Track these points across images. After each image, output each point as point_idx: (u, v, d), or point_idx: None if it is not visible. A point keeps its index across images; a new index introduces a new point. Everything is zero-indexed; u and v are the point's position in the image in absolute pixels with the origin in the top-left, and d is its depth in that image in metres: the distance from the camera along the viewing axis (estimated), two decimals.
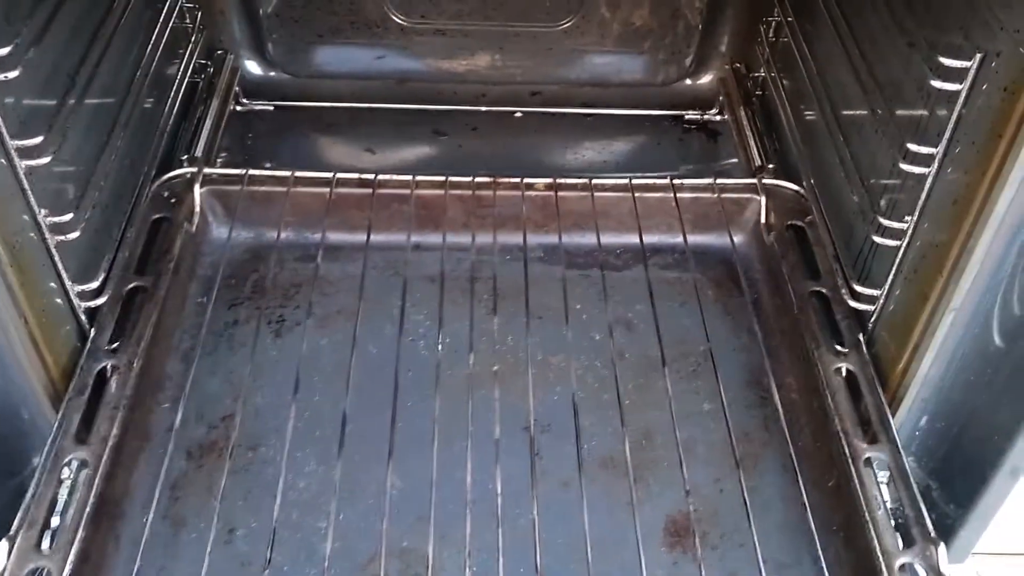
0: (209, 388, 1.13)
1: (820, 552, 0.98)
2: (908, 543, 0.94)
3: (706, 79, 1.57)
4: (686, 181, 1.31)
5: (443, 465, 1.02)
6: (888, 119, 1.07)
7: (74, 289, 1.06)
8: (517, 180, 1.31)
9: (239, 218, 1.28)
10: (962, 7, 0.93)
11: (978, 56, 0.88)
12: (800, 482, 1.04)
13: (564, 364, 1.15)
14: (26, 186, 0.96)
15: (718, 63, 1.56)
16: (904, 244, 1.03)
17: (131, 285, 1.14)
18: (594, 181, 1.31)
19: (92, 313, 1.10)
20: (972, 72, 0.89)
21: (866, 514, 0.96)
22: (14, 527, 0.91)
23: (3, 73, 0.90)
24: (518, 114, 1.55)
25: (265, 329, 1.19)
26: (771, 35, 1.46)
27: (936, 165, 0.96)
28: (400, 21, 1.48)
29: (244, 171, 1.29)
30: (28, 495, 0.94)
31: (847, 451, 1.01)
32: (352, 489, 1.03)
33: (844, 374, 1.08)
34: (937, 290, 0.96)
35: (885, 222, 1.05)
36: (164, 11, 1.35)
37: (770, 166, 1.35)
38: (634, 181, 1.31)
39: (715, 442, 1.09)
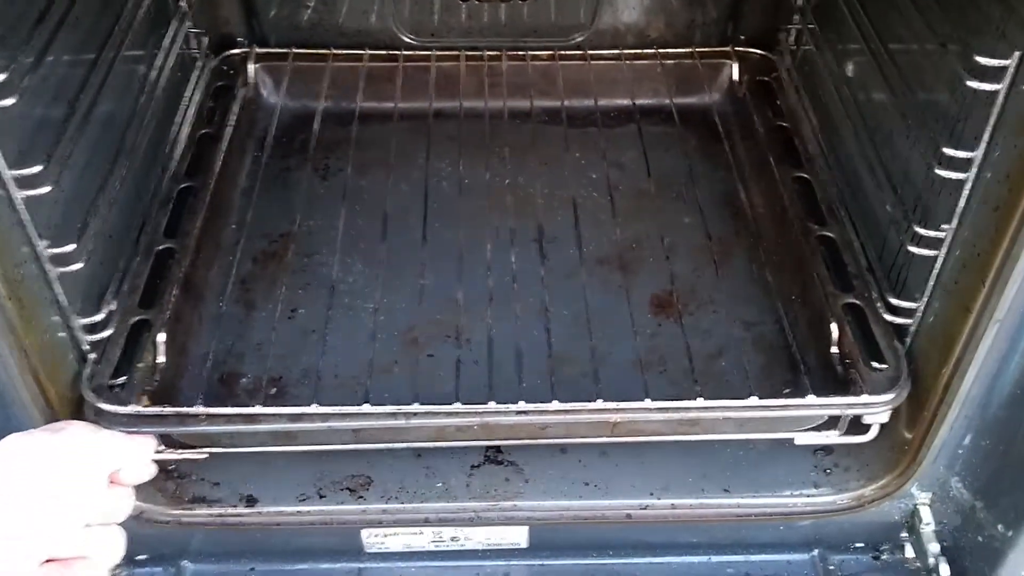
0: (269, 214, 1.34)
1: (780, 310, 1.19)
2: (849, 288, 1.13)
3: None
4: (670, 50, 1.52)
5: (466, 264, 1.21)
6: (921, 124, 1.02)
7: (77, 322, 1.03)
8: (523, 52, 1.52)
9: (287, 90, 1.49)
10: (998, 5, 0.88)
11: (1017, 54, 0.83)
12: (766, 262, 1.25)
13: (566, 193, 1.35)
14: (25, 217, 0.92)
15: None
16: (943, 254, 0.98)
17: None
18: (590, 51, 1.52)
19: (96, 345, 1.06)
20: (1011, 71, 0.84)
21: (816, 274, 1.16)
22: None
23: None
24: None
25: (312, 174, 1.40)
26: (791, 43, 1.46)
27: (975, 169, 0.91)
28: (411, 41, 1.53)
29: (289, 49, 1.50)
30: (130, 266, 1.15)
31: (803, 234, 1.21)
32: (393, 281, 1.23)
33: (799, 187, 1.29)
34: (979, 301, 0.90)
35: (921, 231, 0.99)
36: (169, 35, 1.36)
37: (741, 37, 1.54)
38: (625, 52, 1.52)
39: (694, 244, 1.29)
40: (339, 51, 1.51)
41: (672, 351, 1.15)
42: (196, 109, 1.41)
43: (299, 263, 1.27)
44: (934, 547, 1.08)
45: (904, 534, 1.13)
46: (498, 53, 1.52)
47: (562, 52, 1.52)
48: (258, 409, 0.99)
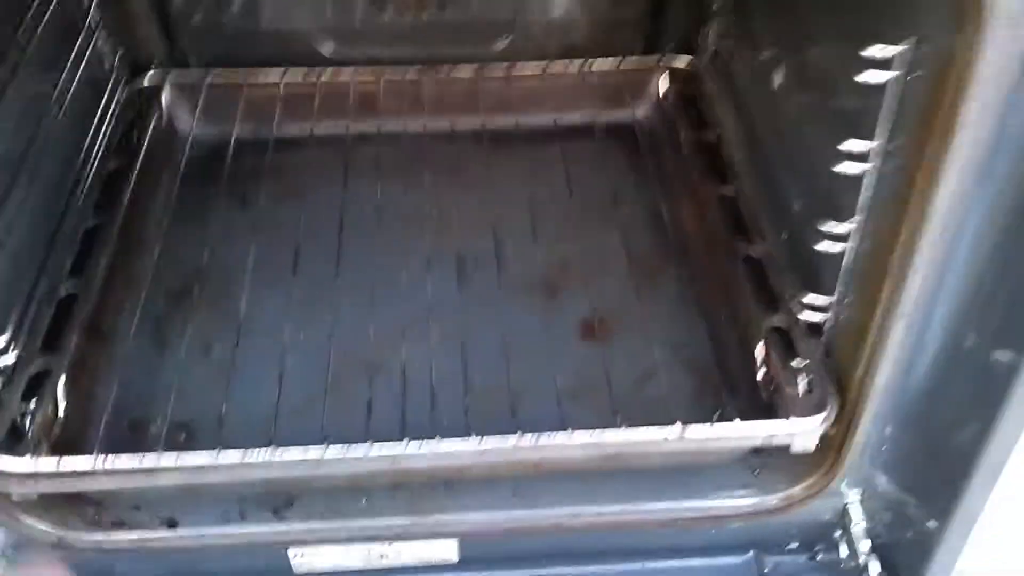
0: (183, 248, 1.29)
1: (707, 331, 1.16)
2: (774, 310, 1.11)
3: None
4: (595, 63, 1.49)
5: (380, 296, 1.17)
6: (826, 119, 1.01)
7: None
8: (445, 69, 1.48)
9: (202, 117, 1.44)
10: None
11: (903, 46, 0.83)
12: (691, 282, 1.22)
13: (490, 214, 1.32)
14: None
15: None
16: (850, 249, 0.97)
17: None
18: (512, 69, 1.49)
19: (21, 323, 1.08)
20: (900, 61, 0.84)
21: (742, 296, 1.14)
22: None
23: None
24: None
25: (228, 204, 1.35)
26: (711, 38, 1.44)
27: (875, 162, 0.91)
28: (329, 57, 1.49)
29: (206, 70, 1.46)
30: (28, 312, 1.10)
31: (728, 253, 1.19)
32: (306, 315, 1.18)
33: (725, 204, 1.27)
34: (885, 295, 0.90)
35: (829, 227, 0.98)
36: (76, 51, 1.30)
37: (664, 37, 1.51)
38: (548, 63, 1.49)
39: (621, 265, 1.26)
40: (255, 74, 1.46)
41: (599, 377, 1.12)
42: (106, 139, 1.35)
43: (212, 299, 1.22)
44: (864, 545, 1.07)
45: (837, 533, 1.10)
46: (419, 69, 1.48)
47: (484, 70, 1.48)
48: (160, 461, 0.95)
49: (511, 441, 0.96)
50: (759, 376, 1.07)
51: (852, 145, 0.91)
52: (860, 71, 0.86)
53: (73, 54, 1.29)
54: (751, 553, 1.13)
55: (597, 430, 0.97)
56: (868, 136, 0.90)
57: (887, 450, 1.02)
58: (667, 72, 1.47)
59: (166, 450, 0.99)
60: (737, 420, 0.98)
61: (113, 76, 1.42)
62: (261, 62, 1.47)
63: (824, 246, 0.99)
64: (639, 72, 1.49)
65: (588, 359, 1.15)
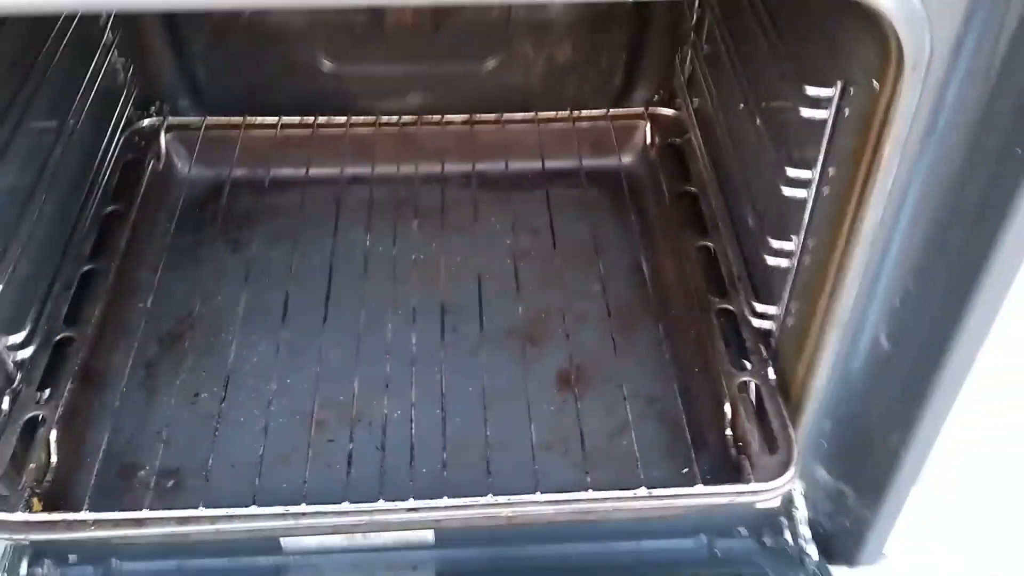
0: (177, 292, 1.33)
1: (680, 385, 1.20)
2: (742, 368, 1.14)
3: (631, 111, 1.58)
4: (583, 113, 1.53)
5: (366, 347, 1.22)
6: (774, 148, 1.10)
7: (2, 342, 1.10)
8: (438, 117, 1.52)
9: (199, 159, 1.49)
10: (824, 42, 0.97)
11: (839, 85, 0.92)
12: (666, 336, 1.25)
13: (475, 261, 1.36)
14: None
15: (641, 94, 1.57)
16: (794, 264, 1.07)
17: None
18: (504, 116, 1.53)
19: (20, 365, 1.13)
20: (834, 101, 0.93)
21: (714, 351, 1.17)
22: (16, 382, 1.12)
23: None
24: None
25: (223, 247, 1.40)
26: (686, 66, 1.50)
27: (813, 189, 1.00)
28: (330, 66, 1.52)
29: (203, 118, 1.50)
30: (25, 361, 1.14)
31: (703, 308, 1.22)
32: (293, 364, 1.22)
33: (708, 254, 1.30)
34: (823, 305, 0.99)
35: (776, 244, 1.09)
36: (92, 68, 1.36)
37: (656, 96, 1.55)
38: (539, 114, 1.53)
39: (600, 315, 1.30)
40: (252, 118, 1.50)
41: (574, 431, 1.15)
42: (105, 181, 1.39)
43: (203, 344, 1.26)
44: (805, 531, 1.15)
45: (783, 521, 1.18)
46: (414, 118, 1.52)
47: (476, 117, 1.52)
48: (145, 514, 0.99)
49: (483, 501, 0.99)
50: (727, 432, 1.10)
51: (794, 173, 1.02)
52: (802, 108, 0.96)
53: (82, 89, 1.33)
54: (704, 537, 1.20)
55: (566, 493, 1.00)
56: (808, 166, 1.00)
57: (827, 446, 1.11)
58: (652, 121, 1.51)
59: (154, 497, 1.04)
60: (700, 485, 1.01)
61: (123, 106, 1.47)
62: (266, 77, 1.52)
63: (773, 261, 1.10)
64: (626, 121, 1.52)
65: (564, 411, 1.18)
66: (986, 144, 0.83)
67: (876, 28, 0.78)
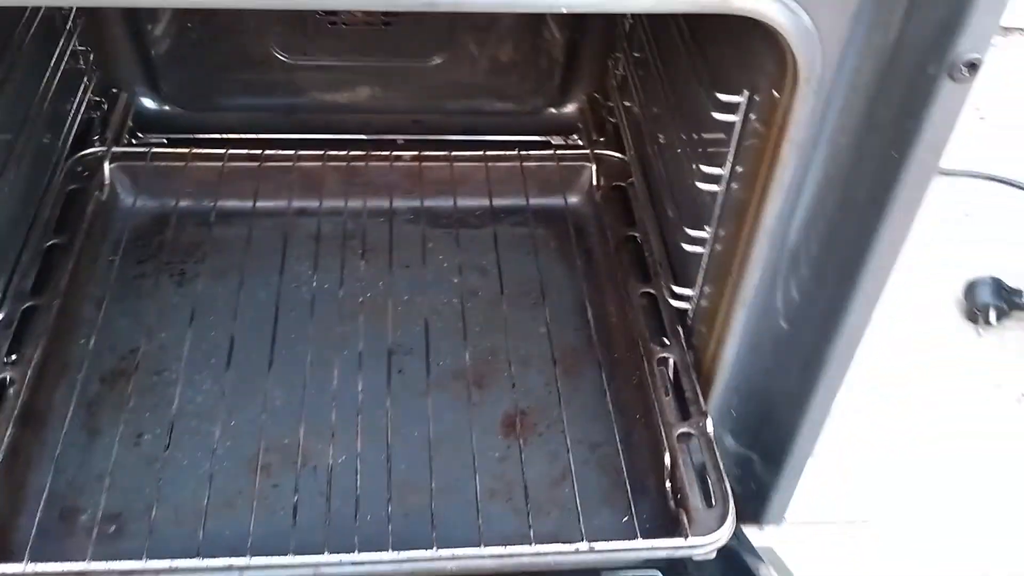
0: (120, 327, 1.32)
1: (622, 432, 1.23)
2: (685, 417, 1.18)
3: (569, 108, 1.70)
4: (532, 152, 1.55)
5: (311, 392, 1.22)
6: (691, 147, 1.22)
7: None
8: (387, 152, 1.53)
9: (145, 189, 1.48)
10: (733, 55, 1.08)
11: (745, 93, 1.03)
12: (610, 382, 1.28)
13: (423, 300, 1.37)
14: None
15: (579, 93, 1.68)
16: (706, 251, 1.19)
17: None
18: (453, 153, 1.54)
19: None
20: (742, 106, 1.04)
21: (655, 400, 1.20)
22: None
23: None
24: (400, 141, 1.62)
25: (168, 281, 1.39)
26: (618, 70, 1.60)
27: (723, 184, 1.12)
28: (283, 58, 1.58)
29: (148, 148, 1.49)
30: None
31: (646, 356, 1.25)
32: (239, 406, 1.23)
33: (645, 301, 1.33)
34: (730, 288, 1.10)
35: (692, 232, 1.20)
36: (56, 54, 1.42)
37: (601, 139, 1.58)
38: (488, 152, 1.55)
39: (546, 358, 1.32)
40: (197, 150, 1.50)
41: (517, 478, 1.17)
42: (47, 216, 1.38)
43: (147, 382, 1.25)
44: None
45: None
46: (362, 153, 1.52)
47: (424, 153, 1.53)
48: (87, 566, 0.99)
49: (428, 555, 1.01)
50: (667, 484, 1.14)
51: (707, 169, 1.13)
52: (714, 112, 1.07)
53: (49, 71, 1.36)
54: None
55: (510, 547, 1.02)
56: (720, 164, 1.11)
57: (735, 415, 1.21)
58: (598, 163, 1.54)
59: (96, 543, 1.04)
60: (640, 540, 1.04)
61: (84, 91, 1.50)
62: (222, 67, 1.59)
63: (689, 247, 1.21)
64: (572, 162, 1.55)
65: (508, 457, 1.21)
66: (869, 148, 0.93)
67: (775, 45, 0.87)
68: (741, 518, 1.14)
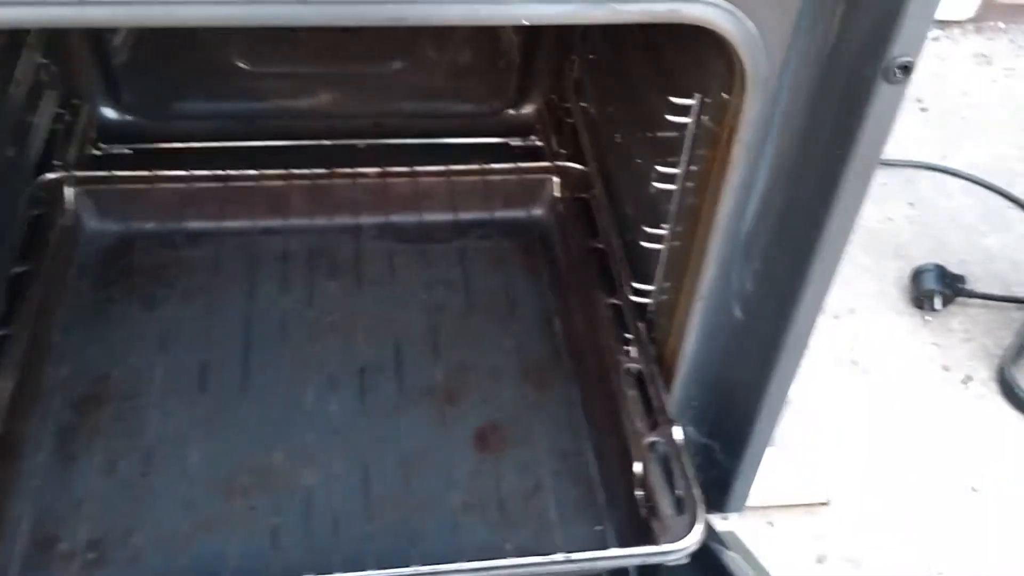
0: (90, 353, 1.32)
1: (592, 442, 1.26)
2: (654, 427, 1.21)
3: (527, 109, 1.71)
4: (495, 166, 1.57)
5: (288, 401, 1.25)
6: (647, 147, 1.24)
7: None
8: (351, 170, 1.55)
9: (109, 213, 1.48)
10: (685, 59, 1.12)
11: (697, 96, 1.08)
12: (579, 394, 1.31)
13: (392, 317, 1.39)
14: None
15: (536, 95, 1.70)
16: (664, 248, 1.23)
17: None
18: (417, 169, 1.56)
19: None
20: (694, 109, 1.09)
21: (624, 410, 1.23)
22: None
23: None
24: (361, 146, 1.63)
25: (136, 306, 1.39)
26: (575, 73, 1.63)
27: (679, 183, 1.15)
28: (244, 67, 1.59)
29: (109, 172, 1.49)
30: None
31: (613, 366, 1.28)
32: (213, 430, 1.23)
33: (611, 313, 1.36)
34: (688, 282, 1.14)
35: (650, 230, 1.24)
36: (19, 67, 1.41)
37: (563, 151, 1.61)
38: (452, 167, 1.57)
39: (516, 371, 1.35)
40: (160, 172, 1.50)
41: (491, 491, 1.20)
42: (12, 242, 1.37)
43: (120, 408, 1.26)
44: None
45: None
46: (326, 171, 1.54)
47: (388, 170, 1.55)
48: None
49: (408, 571, 1.03)
50: (638, 493, 1.17)
51: (663, 169, 1.16)
52: (667, 115, 1.11)
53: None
54: None
55: (488, 561, 1.05)
56: (675, 164, 1.15)
57: (695, 405, 1.24)
58: (561, 175, 1.56)
59: (78, 571, 1.05)
60: (614, 548, 1.08)
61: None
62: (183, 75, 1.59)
63: (647, 245, 1.25)
64: (536, 175, 1.57)
65: (482, 471, 1.23)
66: (813, 145, 0.97)
67: (723, 50, 0.91)
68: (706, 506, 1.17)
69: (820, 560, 1.41)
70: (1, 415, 1.18)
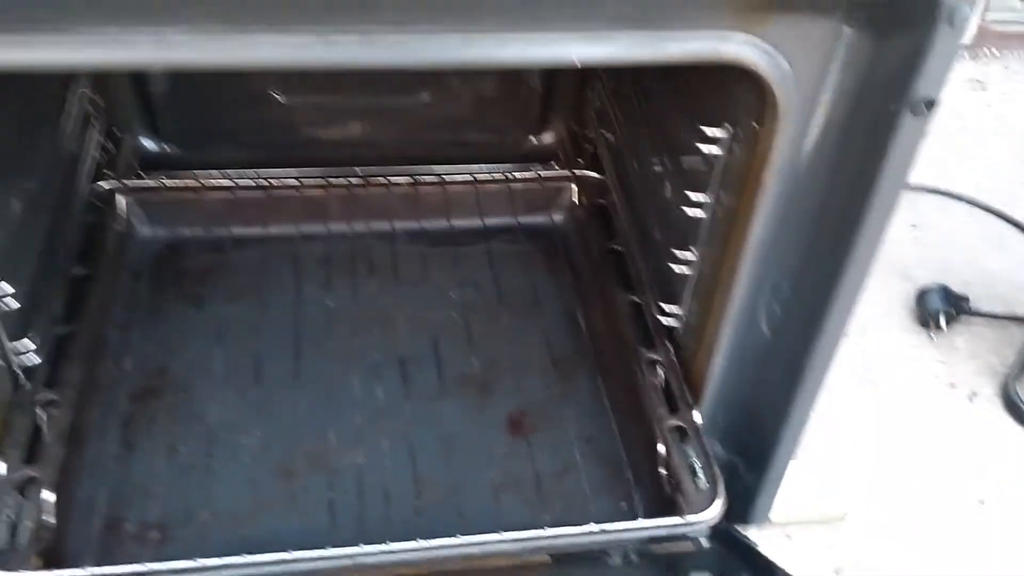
0: (146, 349, 1.42)
1: (618, 426, 1.35)
2: (675, 411, 1.30)
3: (548, 137, 1.75)
4: (517, 174, 1.68)
5: (336, 400, 1.34)
6: (675, 174, 1.29)
7: (14, 348, 1.22)
8: (385, 179, 1.64)
9: (158, 220, 1.58)
10: (716, 90, 1.14)
11: (727, 126, 1.11)
12: (603, 382, 1.41)
13: (428, 314, 1.49)
14: None
15: (558, 123, 1.74)
16: (694, 272, 1.26)
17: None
18: (446, 178, 1.66)
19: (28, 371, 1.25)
20: (725, 138, 1.12)
21: (646, 397, 1.32)
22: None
23: None
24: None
25: (186, 305, 1.49)
26: (596, 101, 1.67)
27: (709, 211, 1.19)
28: (279, 99, 1.63)
29: (158, 182, 1.59)
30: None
31: (635, 358, 1.37)
32: (268, 416, 1.33)
33: (630, 309, 1.45)
34: (717, 305, 1.18)
35: (679, 254, 1.27)
36: (70, 100, 1.47)
37: (579, 160, 1.71)
38: (477, 176, 1.67)
39: (543, 362, 1.44)
40: (207, 181, 1.60)
41: (526, 470, 1.29)
42: (70, 249, 1.47)
43: (177, 399, 1.35)
44: None
45: None
46: (362, 180, 1.63)
47: (419, 179, 1.65)
48: (145, 567, 1.08)
49: (454, 541, 1.12)
50: (662, 471, 1.26)
51: (693, 196, 1.20)
52: (698, 143, 1.14)
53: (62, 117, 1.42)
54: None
55: (527, 531, 1.14)
56: (704, 190, 1.19)
57: (721, 424, 1.29)
58: (579, 183, 1.66)
59: (143, 551, 1.13)
60: (642, 519, 1.18)
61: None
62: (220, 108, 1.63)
63: (676, 267, 1.29)
64: (555, 182, 1.67)
65: (516, 453, 1.32)
66: (842, 174, 1.02)
67: (756, 85, 0.96)
68: (728, 519, 1.24)
69: (837, 572, 1.47)
70: (70, 405, 1.27)
